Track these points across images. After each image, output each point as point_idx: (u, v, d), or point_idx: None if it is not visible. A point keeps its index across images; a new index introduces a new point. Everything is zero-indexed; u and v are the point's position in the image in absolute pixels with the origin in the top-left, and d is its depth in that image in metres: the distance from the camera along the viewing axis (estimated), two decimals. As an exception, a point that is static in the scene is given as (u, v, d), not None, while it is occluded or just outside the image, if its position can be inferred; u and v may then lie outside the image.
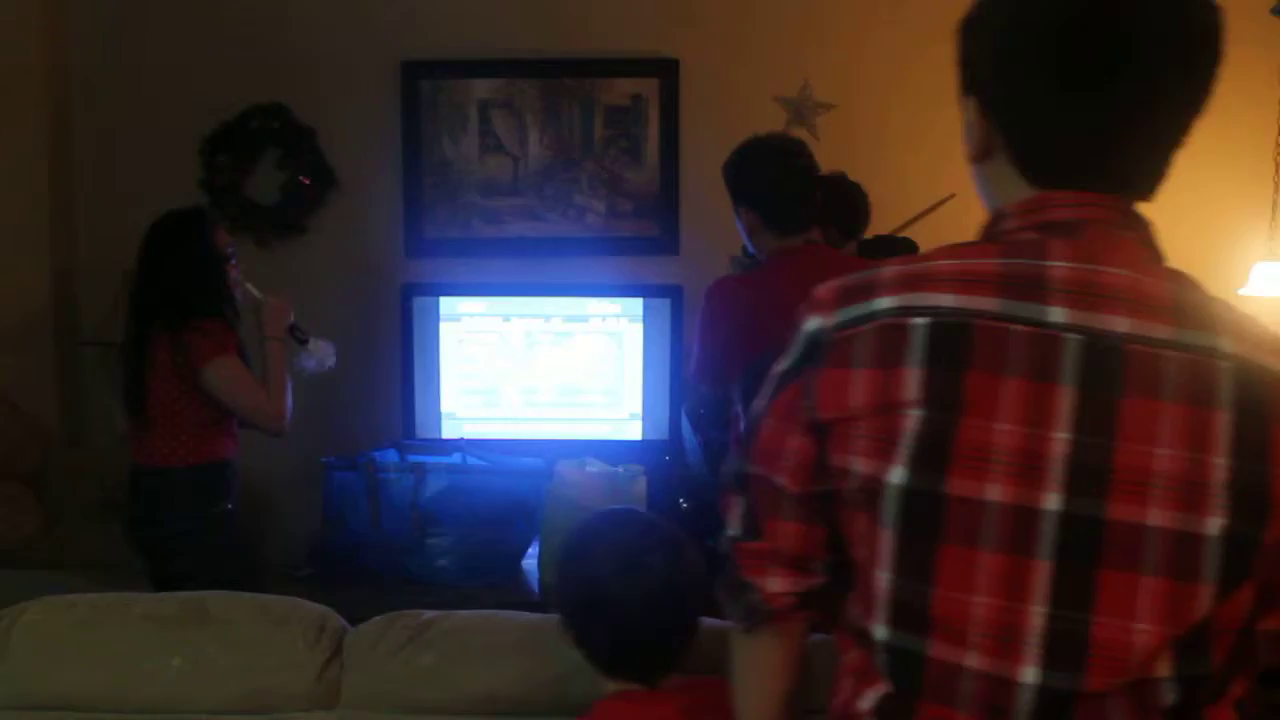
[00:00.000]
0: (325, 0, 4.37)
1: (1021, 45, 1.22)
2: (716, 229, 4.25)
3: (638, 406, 4.19)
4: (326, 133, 4.40)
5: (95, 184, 4.39)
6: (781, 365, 1.31)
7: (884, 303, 1.21)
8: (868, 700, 1.27)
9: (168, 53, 4.37)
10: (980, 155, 1.31)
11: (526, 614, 2.13)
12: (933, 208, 3.97)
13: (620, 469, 3.44)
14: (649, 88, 4.38)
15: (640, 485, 3.42)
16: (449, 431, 4.21)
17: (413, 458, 3.52)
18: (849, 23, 4.38)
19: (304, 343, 3.50)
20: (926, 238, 3.86)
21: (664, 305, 4.18)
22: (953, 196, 4.00)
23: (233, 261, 3.38)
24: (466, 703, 1.98)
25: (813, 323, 1.27)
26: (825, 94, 4.31)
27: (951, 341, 1.16)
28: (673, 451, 4.08)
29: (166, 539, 3.26)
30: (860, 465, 1.22)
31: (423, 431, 4.23)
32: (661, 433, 4.17)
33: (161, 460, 3.27)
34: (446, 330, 4.21)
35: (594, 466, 3.45)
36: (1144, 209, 1.27)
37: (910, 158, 4.33)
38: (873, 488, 1.21)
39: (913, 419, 1.17)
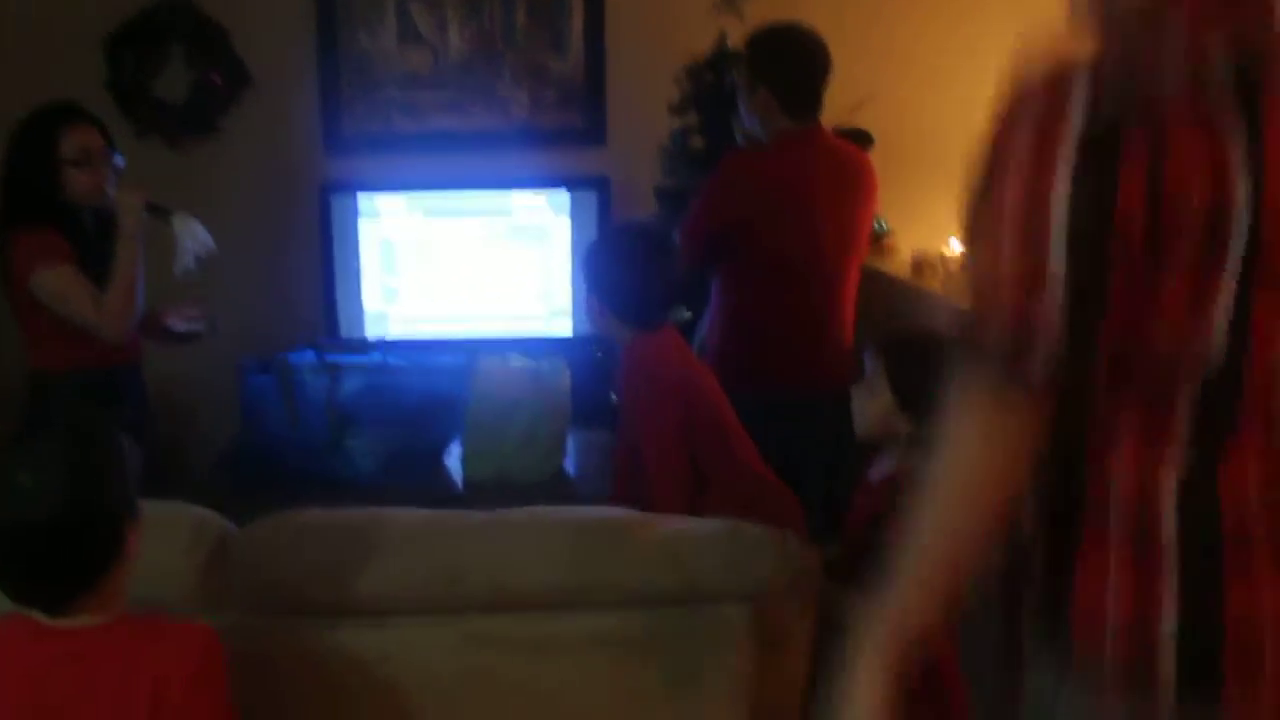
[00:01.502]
0: (231, -115, 4.18)
1: None
2: (644, 118, 4.13)
3: (566, 302, 4.10)
4: (237, 27, 4.22)
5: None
6: None
7: None
8: None
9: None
10: None
11: (420, 510, 2.05)
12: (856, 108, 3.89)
13: (544, 363, 3.37)
14: (572, -29, 4.23)
15: (564, 379, 3.37)
16: (372, 331, 4.13)
17: (331, 357, 3.44)
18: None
19: (168, 216, 3.29)
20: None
21: (590, 198, 4.08)
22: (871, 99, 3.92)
23: (101, 165, 3.18)
24: (359, 601, 1.92)
25: None
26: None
27: None
28: (605, 347, 4.02)
29: None
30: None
31: (346, 331, 4.14)
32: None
33: (33, 364, 3.22)
34: (366, 228, 4.11)
35: (517, 361, 3.39)
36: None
37: (831, 40, 4.23)
38: None
39: None
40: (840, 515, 2.48)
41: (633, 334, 2.69)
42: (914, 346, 2.37)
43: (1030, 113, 1.24)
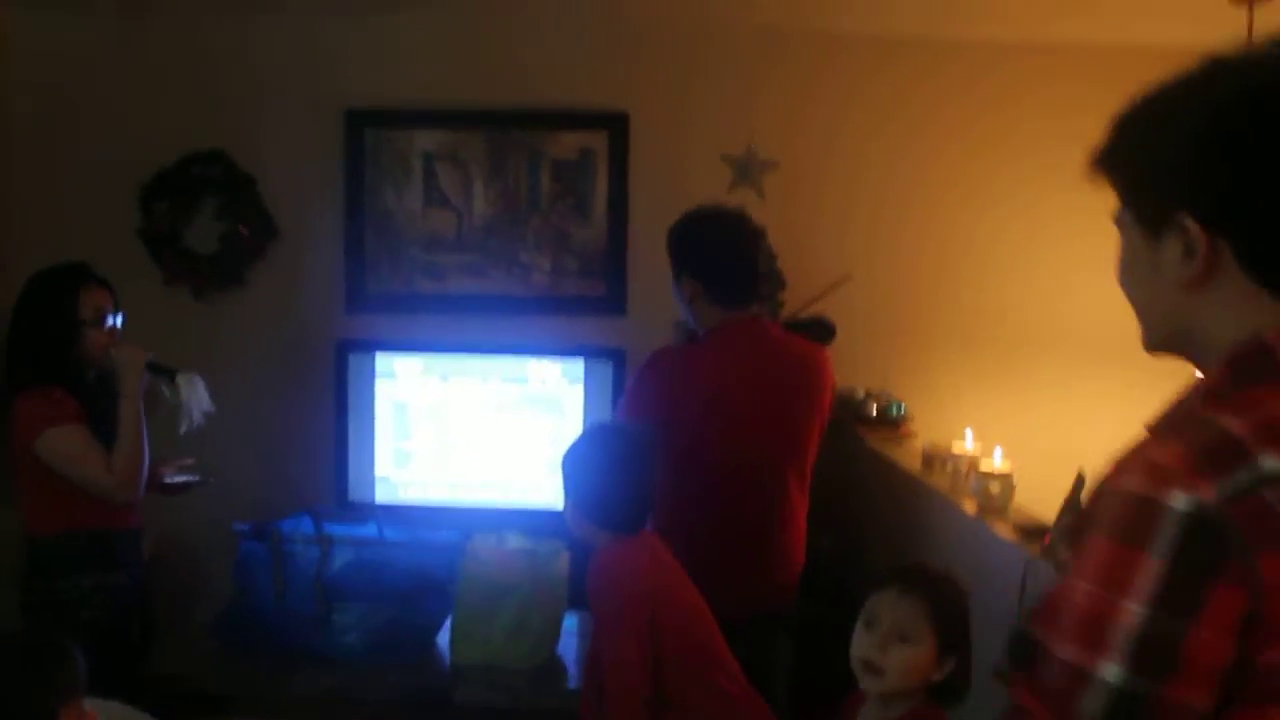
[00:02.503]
0: (269, 46, 4.26)
1: None
2: (665, 289, 4.08)
3: (576, 473, 4.04)
4: (267, 181, 4.29)
5: (34, 231, 4.26)
6: (1156, 560, 1.07)
7: (1271, 464, 1.06)
8: None
9: (108, 98, 4.26)
10: (1201, 279, 1.17)
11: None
12: (831, 288, 3.84)
13: (542, 544, 3.29)
14: (598, 141, 4.25)
15: (561, 562, 3.27)
16: (383, 494, 4.10)
17: (327, 526, 3.38)
18: (793, 81, 4.26)
19: (172, 377, 3.32)
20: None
21: (606, 368, 4.05)
22: (849, 278, 3.87)
23: (108, 326, 3.24)
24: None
25: (1181, 500, 1.06)
26: (771, 152, 4.16)
27: None
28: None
29: (36, 609, 3.16)
30: None
31: (356, 494, 4.12)
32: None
33: (31, 527, 3.21)
34: (382, 389, 4.09)
35: (512, 541, 3.31)
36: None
37: (851, 217, 4.19)
38: None
39: None
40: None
41: (609, 539, 2.61)
42: (953, 587, 2.13)
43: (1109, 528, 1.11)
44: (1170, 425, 1.15)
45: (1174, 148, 1.17)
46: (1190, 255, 1.16)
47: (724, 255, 3.13)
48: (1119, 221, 1.26)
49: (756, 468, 3.09)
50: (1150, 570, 1.06)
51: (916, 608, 2.08)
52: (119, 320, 3.29)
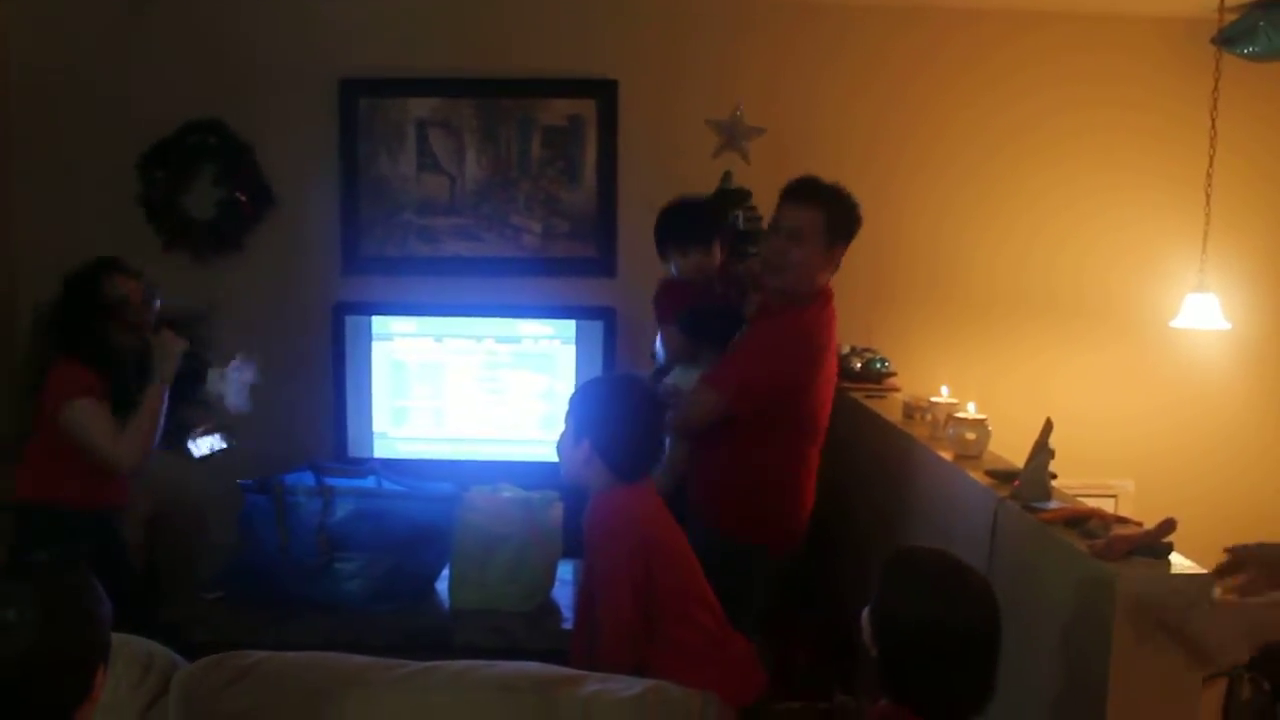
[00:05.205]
0: (264, 17, 4.36)
1: None
2: (654, 250, 4.21)
3: (569, 429, 4.16)
4: (264, 149, 4.39)
5: (35, 199, 4.37)
6: None
7: None
8: None
9: (107, 68, 4.36)
10: None
11: (357, 657, 2.09)
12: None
13: (536, 494, 3.41)
14: (587, 108, 4.36)
15: (555, 510, 3.38)
16: (381, 450, 4.21)
17: (328, 480, 3.49)
18: (773, 49, 4.37)
19: (205, 370, 3.49)
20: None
21: (597, 327, 4.16)
22: None
23: (134, 311, 3.39)
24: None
25: None
26: (754, 119, 4.26)
27: None
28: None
29: None
30: None
31: (355, 450, 4.23)
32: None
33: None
34: (378, 349, 4.21)
35: (507, 491, 3.42)
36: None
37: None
38: None
39: None
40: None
41: (611, 483, 2.67)
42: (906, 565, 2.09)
43: None
44: None
45: None
46: None
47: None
48: None
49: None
50: None
51: None
52: (155, 305, 3.46)
